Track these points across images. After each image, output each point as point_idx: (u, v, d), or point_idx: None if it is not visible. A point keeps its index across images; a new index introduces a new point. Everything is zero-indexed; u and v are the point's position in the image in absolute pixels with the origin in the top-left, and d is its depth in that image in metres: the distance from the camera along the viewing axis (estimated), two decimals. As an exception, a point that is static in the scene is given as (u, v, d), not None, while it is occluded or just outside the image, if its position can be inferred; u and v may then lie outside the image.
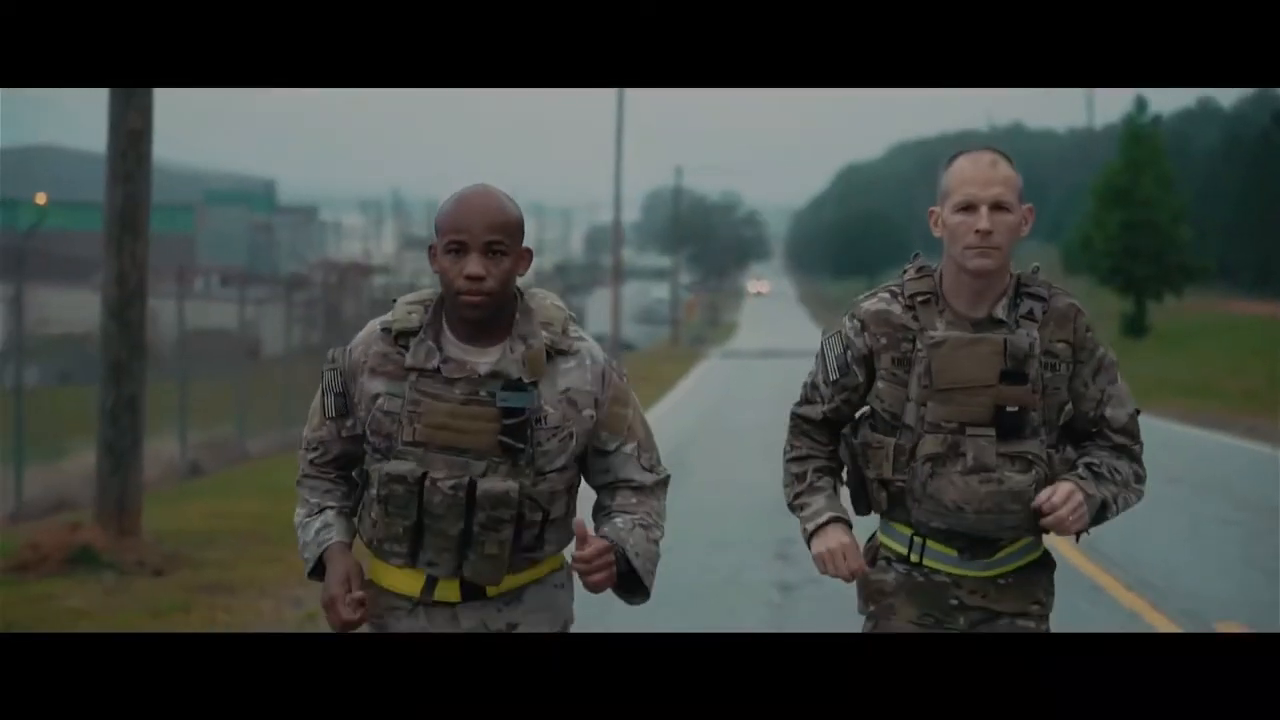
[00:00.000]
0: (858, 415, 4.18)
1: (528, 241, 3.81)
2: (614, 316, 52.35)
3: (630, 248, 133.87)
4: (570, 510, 3.89)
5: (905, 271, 4.12)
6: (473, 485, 3.71)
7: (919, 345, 3.99)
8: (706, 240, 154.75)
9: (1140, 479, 4.11)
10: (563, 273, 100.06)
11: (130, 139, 10.93)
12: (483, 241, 3.67)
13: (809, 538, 4.11)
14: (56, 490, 15.28)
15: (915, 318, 4.02)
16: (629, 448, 3.88)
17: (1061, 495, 3.93)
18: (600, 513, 3.94)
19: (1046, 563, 4.15)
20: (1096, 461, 4.06)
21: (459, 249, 3.68)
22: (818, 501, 4.13)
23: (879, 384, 4.05)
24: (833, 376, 4.11)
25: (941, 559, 4.06)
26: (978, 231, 3.90)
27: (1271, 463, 19.32)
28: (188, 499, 14.82)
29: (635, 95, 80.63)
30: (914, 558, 4.07)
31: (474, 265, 3.66)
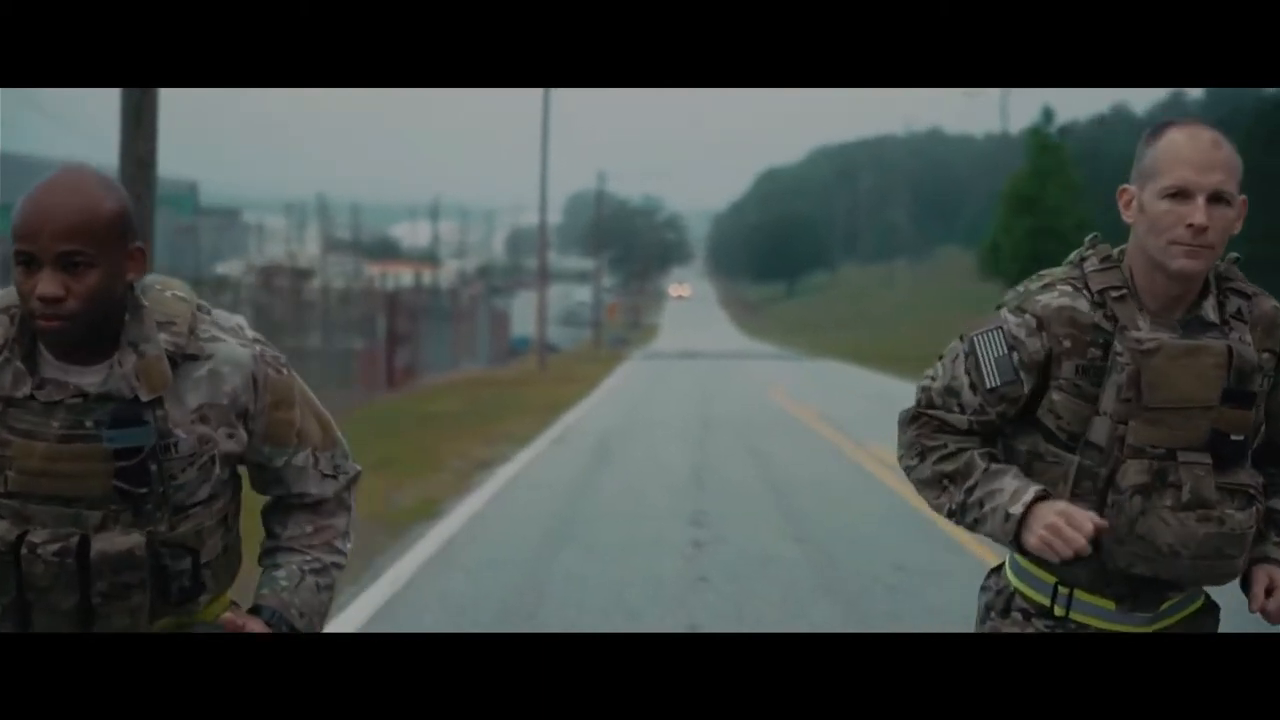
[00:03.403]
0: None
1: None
2: (539, 319, 53.77)
3: (553, 250, 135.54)
4: (233, 539, 3.16)
5: (1085, 259, 3.32)
6: (85, 546, 2.91)
7: (1118, 350, 3.20)
8: (628, 243, 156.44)
9: None
10: (486, 275, 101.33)
11: (139, 165, 12.25)
12: (55, 253, 2.82)
13: (1015, 531, 3.20)
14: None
15: (1109, 316, 3.22)
16: (301, 457, 3.15)
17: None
18: (267, 552, 3.22)
19: (1211, 608, 3.44)
20: None
21: (28, 261, 2.84)
22: (1006, 483, 3.24)
23: (1054, 395, 3.24)
24: (991, 383, 3.26)
25: (1094, 612, 3.31)
26: (1190, 226, 3.13)
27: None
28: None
29: (560, 98, 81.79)
30: (1059, 611, 3.33)
31: (47, 284, 2.82)
